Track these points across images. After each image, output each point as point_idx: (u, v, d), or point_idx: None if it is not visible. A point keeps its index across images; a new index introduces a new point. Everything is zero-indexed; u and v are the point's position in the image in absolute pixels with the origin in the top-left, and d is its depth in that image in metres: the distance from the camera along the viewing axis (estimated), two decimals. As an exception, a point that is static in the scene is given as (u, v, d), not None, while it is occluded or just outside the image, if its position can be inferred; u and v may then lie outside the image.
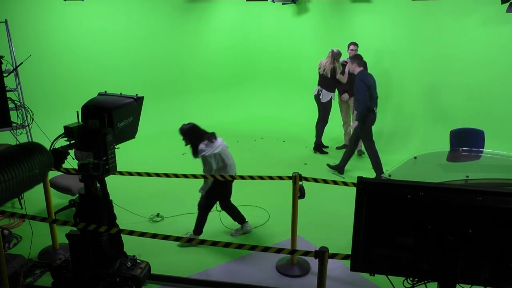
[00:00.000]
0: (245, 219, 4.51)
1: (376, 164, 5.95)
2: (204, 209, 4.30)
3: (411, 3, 6.51)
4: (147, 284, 3.57)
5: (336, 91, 7.10)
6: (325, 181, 3.70)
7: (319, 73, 6.98)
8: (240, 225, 4.51)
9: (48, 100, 7.14)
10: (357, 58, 5.99)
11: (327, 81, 6.86)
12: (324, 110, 7.04)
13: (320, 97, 6.96)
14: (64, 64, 7.47)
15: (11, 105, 4.23)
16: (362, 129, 5.89)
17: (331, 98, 6.97)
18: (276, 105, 9.54)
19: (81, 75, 7.57)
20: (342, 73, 6.91)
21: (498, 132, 5.88)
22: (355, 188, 1.78)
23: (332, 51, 6.79)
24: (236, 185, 5.52)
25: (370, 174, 6.07)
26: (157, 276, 3.60)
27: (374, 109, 5.90)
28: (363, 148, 7.00)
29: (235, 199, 5.30)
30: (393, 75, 7.47)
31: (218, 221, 4.74)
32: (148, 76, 8.38)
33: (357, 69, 5.92)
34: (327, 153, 7.19)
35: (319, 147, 7.22)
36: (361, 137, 6.04)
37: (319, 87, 6.98)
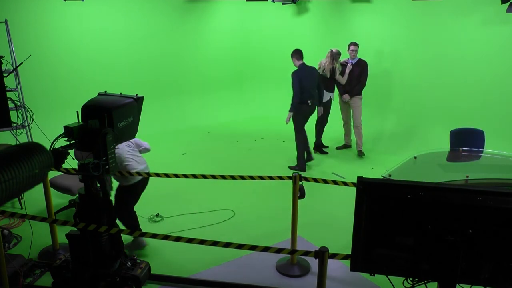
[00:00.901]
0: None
1: (299, 156, 6.34)
2: (122, 213, 3.98)
3: (411, 3, 6.52)
4: (147, 284, 3.57)
5: (337, 91, 7.10)
6: (325, 181, 3.70)
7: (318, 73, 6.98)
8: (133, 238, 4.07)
9: (48, 100, 7.15)
10: (296, 53, 6.26)
11: (326, 81, 6.86)
12: (324, 109, 7.04)
13: None
14: (64, 64, 7.47)
15: (11, 105, 4.22)
16: (294, 119, 6.21)
17: (330, 98, 6.97)
18: (276, 105, 9.53)
19: (81, 75, 7.57)
20: (342, 73, 6.91)
21: (498, 132, 5.88)
22: (355, 188, 1.78)
23: (331, 51, 6.79)
24: (236, 185, 5.54)
25: (370, 174, 6.07)
26: (157, 276, 3.60)
27: (308, 101, 6.15)
28: (363, 149, 7.01)
29: (235, 199, 5.31)
30: (393, 75, 7.47)
31: (217, 221, 4.74)
32: (148, 76, 8.39)
33: (297, 62, 6.25)
34: (327, 153, 7.19)
35: (319, 147, 7.22)
36: (294, 126, 6.33)
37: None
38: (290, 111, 6.13)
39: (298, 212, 3.67)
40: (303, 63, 6.24)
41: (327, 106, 7.01)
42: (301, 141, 6.35)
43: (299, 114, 6.18)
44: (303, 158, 6.40)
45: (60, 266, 3.23)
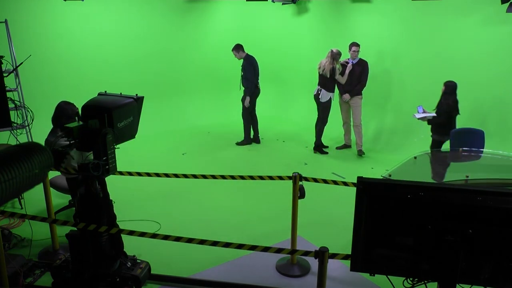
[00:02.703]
0: None
1: (246, 131, 7.60)
2: None
3: (411, 3, 6.51)
4: (147, 284, 3.57)
5: (337, 91, 7.10)
6: (325, 181, 3.70)
7: (318, 73, 6.98)
8: None
9: (48, 100, 7.11)
10: (239, 46, 7.32)
11: (326, 81, 6.87)
12: (323, 110, 7.04)
13: (320, 97, 6.96)
14: (64, 64, 7.46)
15: (11, 105, 4.22)
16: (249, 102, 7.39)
17: (330, 98, 6.97)
18: (276, 105, 9.54)
19: (81, 75, 7.57)
20: (342, 73, 6.91)
21: (498, 132, 5.88)
22: (355, 188, 1.77)
23: (332, 51, 6.79)
24: (236, 185, 5.54)
25: (370, 174, 6.07)
26: (157, 276, 3.60)
27: (258, 85, 7.40)
28: (363, 148, 7.02)
29: (235, 199, 5.31)
30: (393, 75, 7.47)
31: (218, 221, 4.74)
32: (148, 76, 8.38)
33: (242, 54, 7.33)
34: (327, 153, 7.19)
35: (319, 147, 7.22)
36: (247, 108, 7.41)
37: (319, 87, 6.99)
38: (248, 95, 7.30)
39: (298, 212, 3.67)
40: (247, 53, 7.31)
41: (327, 106, 7.01)
42: (248, 121, 7.51)
43: (253, 97, 7.37)
44: (249, 134, 7.54)
45: (60, 266, 3.23)
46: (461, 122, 5.84)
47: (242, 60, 7.40)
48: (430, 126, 5.65)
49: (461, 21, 6.37)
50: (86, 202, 2.99)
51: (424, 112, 5.64)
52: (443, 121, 5.42)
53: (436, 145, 5.66)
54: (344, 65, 6.95)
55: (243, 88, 7.43)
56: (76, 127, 2.80)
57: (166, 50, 8.63)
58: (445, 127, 5.43)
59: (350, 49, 6.88)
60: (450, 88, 5.44)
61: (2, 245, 3.12)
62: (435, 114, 5.50)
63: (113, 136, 2.86)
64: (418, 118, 5.65)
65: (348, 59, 6.97)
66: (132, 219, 4.68)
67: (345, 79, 6.90)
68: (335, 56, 6.78)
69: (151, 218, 4.75)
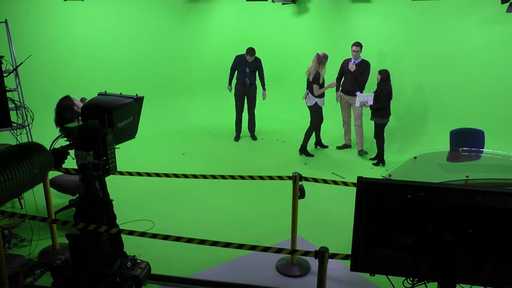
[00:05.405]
0: None
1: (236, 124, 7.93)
2: None
3: (411, 3, 6.51)
4: (147, 284, 3.57)
5: (336, 91, 7.10)
6: (325, 181, 3.70)
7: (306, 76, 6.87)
8: None
9: (48, 100, 7.10)
10: (252, 49, 7.40)
11: (311, 85, 6.77)
12: (312, 113, 6.90)
13: (306, 101, 6.88)
14: (64, 64, 7.46)
15: (11, 105, 4.22)
16: (253, 96, 7.83)
17: (316, 103, 6.77)
18: (276, 105, 9.53)
19: (81, 75, 7.56)
20: (339, 78, 6.92)
21: (498, 132, 5.88)
22: (355, 188, 1.77)
23: (318, 54, 6.61)
24: (236, 185, 5.53)
25: (370, 174, 6.07)
26: (157, 276, 3.60)
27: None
28: (364, 148, 7.01)
29: (235, 199, 5.31)
30: (393, 75, 7.43)
31: (218, 221, 4.74)
32: (148, 76, 8.38)
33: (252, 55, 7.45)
34: (312, 155, 6.95)
35: (305, 150, 7.04)
36: (246, 103, 7.91)
37: (307, 90, 6.88)
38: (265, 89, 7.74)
39: (298, 212, 3.67)
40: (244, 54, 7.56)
41: (315, 110, 6.84)
42: (239, 118, 7.94)
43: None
44: (239, 130, 7.96)
45: (60, 266, 3.24)
46: (461, 121, 5.84)
47: (245, 61, 7.52)
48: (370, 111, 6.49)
49: (461, 21, 6.37)
50: (86, 202, 2.99)
51: (363, 97, 6.48)
52: (383, 104, 6.26)
53: (379, 128, 6.43)
54: (344, 68, 6.91)
55: (250, 84, 7.66)
56: (76, 127, 2.81)
57: (166, 50, 8.63)
58: (385, 110, 6.32)
59: (351, 49, 6.86)
60: (385, 76, 6.25)
61: (2, 245, 3.12)
62: (372, 93, 6.36)
63: (113, 136, 2.86)
64: (360, 104, 6.49)
65: (350, 58, 6.95)
66: (132, 219, 4.68)
67: (320, 92, 6.67)
68: (321, 59, 6.58)
69: (151, 218, 4.75)
